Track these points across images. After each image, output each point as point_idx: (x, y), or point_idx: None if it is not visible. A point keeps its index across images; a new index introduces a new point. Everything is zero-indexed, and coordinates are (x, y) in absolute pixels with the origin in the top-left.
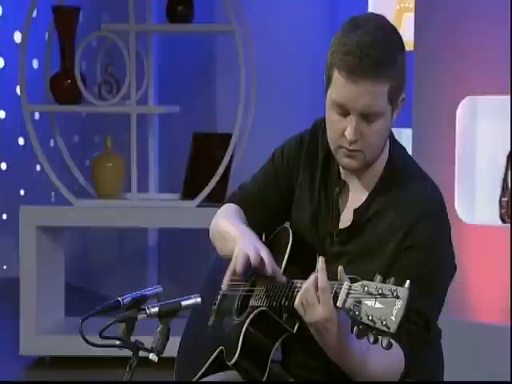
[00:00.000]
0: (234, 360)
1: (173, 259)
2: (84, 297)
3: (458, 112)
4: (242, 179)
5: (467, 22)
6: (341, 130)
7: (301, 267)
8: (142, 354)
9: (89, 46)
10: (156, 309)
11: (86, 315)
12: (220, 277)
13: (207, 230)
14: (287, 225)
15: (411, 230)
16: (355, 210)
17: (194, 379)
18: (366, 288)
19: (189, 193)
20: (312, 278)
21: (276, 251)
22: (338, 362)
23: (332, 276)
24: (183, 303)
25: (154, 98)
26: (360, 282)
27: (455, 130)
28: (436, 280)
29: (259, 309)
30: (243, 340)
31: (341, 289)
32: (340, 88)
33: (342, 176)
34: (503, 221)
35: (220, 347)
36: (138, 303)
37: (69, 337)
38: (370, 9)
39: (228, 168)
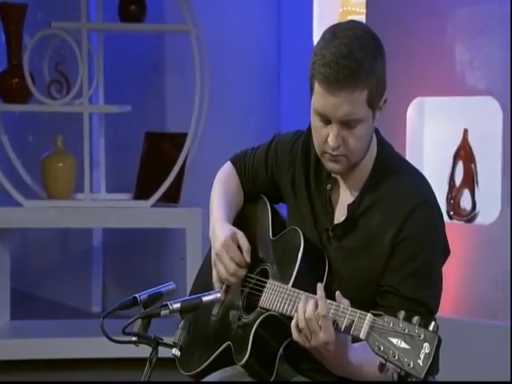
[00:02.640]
0: (243, 361)
1: (118, 260)
2: (27, 300)
3: (409, 112)
4: (195, 179)
5: (417, 25)
6: (324, 137)
7: (312, 270)
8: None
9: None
10: (178, 304)
11: (105, 313)
12: None
13: (161, 230)
14: (295, 227)
15: (406, 223)
16: (349, 205)
17: (200, 369)
18: (391, 324)
19: (141, 193)
20: (311, 307)
21: (285, 251)
22: (336, 372)
23: (332, 274)
24: (204, 299)
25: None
26: (384, 317)
27: (405, 131)
28: (433, 268)
29: (269, 312)
30: (253, 341)
31: (349, 315)
32: (320, 99)
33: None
34: (450, 218)
35: (227, 342)
36: (154, 300)
37: (15, 340)
38: (315, 11)
39: (182, 167)
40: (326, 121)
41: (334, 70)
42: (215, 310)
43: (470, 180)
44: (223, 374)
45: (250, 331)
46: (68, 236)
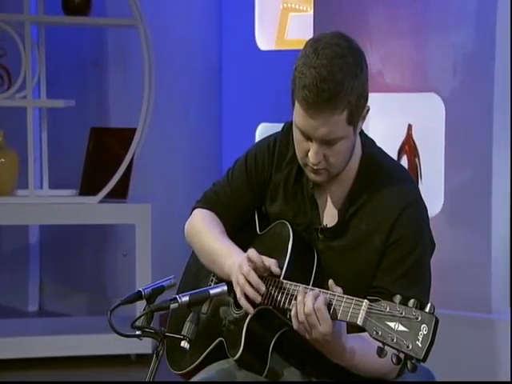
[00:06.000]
0: (237, 356)
1: (56, 257)
2: None
3: None
4: (142, 174)
5: (363, 22)
6: (305, 150)
7: (301, 262)
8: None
9: None
10: (186, 298)
11: (112, 307)
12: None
13: (101, 226)
14: (284, 220)
15: (395, 225)
16: (339, 211)
17: (192, 367)
18: (387, 308)
19: (87, 189)
20: (310, 301)
21: (274, 244)
22: (334, 359)
23: (321, 270)
24: (211, 292)
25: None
26: (381, 302)
27: None
28: (423, 264)
29: (261, 306)
30: (245, 335)
31: (345, 302)
32: (300, 117)
33: None
34: None
35: (219, 339)
36: (157, 293)
37: None
38: (257, 7)
39: (130, 163)
40: (307, 137)
41: (314, 94)
42: (205, 308)
43: (414, 174)
44: (219, 366)
45: (243, 325)
46: (2, 233)
